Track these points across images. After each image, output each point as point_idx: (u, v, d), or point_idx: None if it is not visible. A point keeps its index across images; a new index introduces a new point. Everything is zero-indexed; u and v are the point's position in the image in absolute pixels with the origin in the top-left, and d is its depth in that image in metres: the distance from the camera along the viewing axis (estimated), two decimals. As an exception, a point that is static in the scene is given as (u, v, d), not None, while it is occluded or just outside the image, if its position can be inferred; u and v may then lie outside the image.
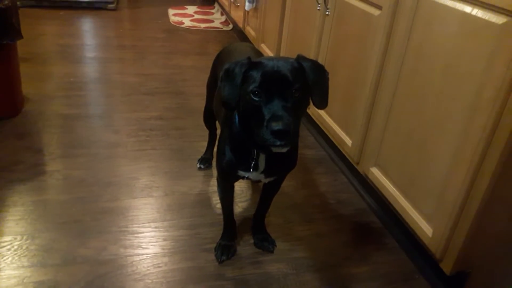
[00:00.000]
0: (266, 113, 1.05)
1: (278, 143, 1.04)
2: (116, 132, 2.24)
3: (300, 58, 1.15)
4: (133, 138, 2.20)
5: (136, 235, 1.57)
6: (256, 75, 1.08)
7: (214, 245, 1.55)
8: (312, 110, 2.26)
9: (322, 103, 1.19)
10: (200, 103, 2.62)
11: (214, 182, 1.91)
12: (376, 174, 1.69)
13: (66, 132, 2.20)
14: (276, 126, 1.01)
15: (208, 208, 1.75)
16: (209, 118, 1.91)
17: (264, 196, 1.56)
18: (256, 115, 1.08)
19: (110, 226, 1.60)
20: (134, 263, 1.45)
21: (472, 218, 1.25)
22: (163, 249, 1.52)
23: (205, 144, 2.03)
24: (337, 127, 2.03)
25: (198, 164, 2.02)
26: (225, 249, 1.53)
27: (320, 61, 2.13)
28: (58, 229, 1.56)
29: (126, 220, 1.64)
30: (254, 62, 1.11)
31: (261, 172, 1.30)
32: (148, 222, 1.64)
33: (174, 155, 2.09)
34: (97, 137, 2.18)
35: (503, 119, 1.13)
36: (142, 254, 1.49)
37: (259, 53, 1.71)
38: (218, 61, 1.70)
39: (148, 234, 1.58)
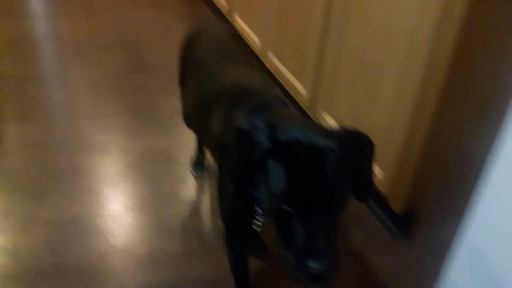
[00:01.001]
0: (297, 230, 0.76)
1: (313, 285, 0.82)
2: (69, 91, 2.18)
3: (341, 139, 0.80)
4: (87, 97, 2.15)
5: (96, 193, 1.58)
6: (281, 172, 0.76)
7: (178, 199, 1.58)
8: (267, 59, 2.26)
9: (366, 194, 0.91)
10: (155, 56, 2.58)
11: (170, 138, 1.91)
12: (328, 120, 1.74)
13: (16, 94, 2.12)
14: (315, 267, 0.74)
15: (168, 164, 1.77)
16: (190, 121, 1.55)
17: None
18: (282, 221, 0.79)
19: (69, 186, 1.60)
20: (95, 221, 1.47)
21: (416, 158, 1.33)
22: (124, 206, 1.55)
23: (163, 101, 2.01)
24: (292, 76, 2.04)
25: (192, 170, 1.71)
26: None
27: (271, 10, 2.11)
28: (14, 194, 1.55)
29: (85, 179, 1.64)
30: (280, 144, 0.78)
31: None
32: (108, 181, 1.65)
33: (130, 112, 2.07)
34: (49, 97, 2.12)
35: (439, 54, 1.17)
36: (103, 212, 1.51)
37: (236, 36, 1.42)
38: (185, 55, 1.40)
39: (108, 191, 1.60)
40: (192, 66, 1.32)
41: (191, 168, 1.72)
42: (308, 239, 0.75)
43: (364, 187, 0.89)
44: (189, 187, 1.65)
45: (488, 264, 0.86)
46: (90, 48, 2.63)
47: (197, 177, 1.69)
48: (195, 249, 1.41)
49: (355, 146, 0.82)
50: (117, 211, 1.52)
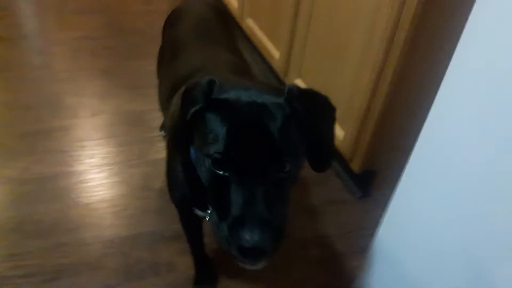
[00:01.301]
0: (234, 197, 0.65)
1: (248, 263, 0.66)
2: (41, 53, 2.16)
3: (291, 95, 0.69)
4: (59, 59, 2.13)
5: (61, 154, 1.59)
6: (218, 127, 0.66)
7: (143, 160, 1.59)
8: (244, 22, 2.24)
9: (324, 164, 0.77)
10: (131, 20, 2.55)
11: (141, 101, 1.90)
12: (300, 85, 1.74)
13: (-12, 55, 2.11)
14: (249, 237, 0.62)
15: (135, 126, 1.76)
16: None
17: None
18: (218, 190, 0.68)
19: (34, 147, 1.60)
20: (59, 180, 1.48)
21: (375, 120, 1.33)
22: (89, 166, 1.56)
23: (137, 65, 2.00)
24: (267, 40, 2.03)
25: (161, 132, 1.70)
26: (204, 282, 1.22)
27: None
28: (-20, 153, 1.56)
29: (51, 140, 1.64)
30: (217, 100, 0.69)
31: None
32: (74, 142, 1.65)
33: (102, 75, 2.05)
34: (21, 59, 2.10)
35: (401, 23, 1.17)
36: (68, 172, 1.52)
37: (223, 14, 1.34)
38: (168, 28, 1.33)
39: (74, 153, 1.60)
40: (170, 45, 1.23)
41: (160, 131, 1.72)
42: (245, 206, 0.64)
43: (323, 154, 0.75)
44: (155, 148, 1.66)
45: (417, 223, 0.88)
46: (69, 11, 2.59)
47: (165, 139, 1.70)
48: (155, 207, 1.42)
49: (311, 106, 0.71)
50: (82, 170, 1.53)
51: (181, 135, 0.75)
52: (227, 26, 1.28)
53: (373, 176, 1.49)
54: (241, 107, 0.67)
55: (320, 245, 1.36)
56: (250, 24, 2.17)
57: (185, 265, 1.25)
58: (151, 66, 2.06)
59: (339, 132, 1.50)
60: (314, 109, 0.72)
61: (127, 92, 1.95)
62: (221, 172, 0.67)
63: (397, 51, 1.20)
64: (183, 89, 0.74)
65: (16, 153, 1.57)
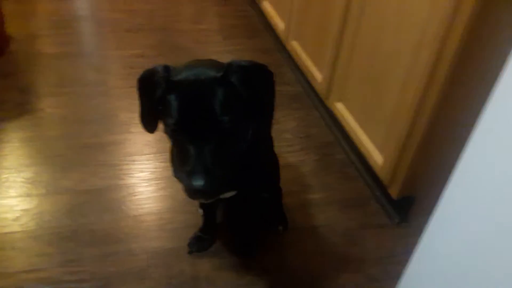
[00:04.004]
0: (188, 154, 0.90)
1: (195, 197, 0.96)
2: (98, 70, 2.31)
3: (229, 69, 0.91)
4: (114, 76, 2.27)
5: (113, 167, 1.70)
6: (174, 103, 0.89)
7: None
8: (289, 44, 2.31)
9: (264, 123, 1.04)
10: (183, 39, 2.67)
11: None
12: (340, 109, 1.78)
13: (50, 71, 2.27)
14: (195, 183, 0.88)
15: (183, 142, 1.86)
16: None
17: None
18: (180, 148, 0.94)
19: (89, 160, 1.73)
20: (111, 192, 1.59)
21: (416, 147, 1.36)
22: (139, 180, 1.66)
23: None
24: (310, 62, 2.08)
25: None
26: (199, 241, 1.42)
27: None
28: (41, 164, 1.69)
29: (105, 154, 1.76)
30: (172, 82, 0.90)
31: None
32: (126, 156, 1.76)
33: (154, 92, 2.17)
34: (79, 75, 2.25)
35: (444, 55, 1.19)
36: (119, 185, 1.63)
37: None
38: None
39: (125, 167, 1.71)
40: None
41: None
42: (193, 160, 0.88)
43: (265, 111, 0.98)
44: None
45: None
46: (124, 29, 2.74)
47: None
48: (197, 222, 1.48)
49: (245, 78, 0.91)
50: (132, 183, 1.64)
51: (151, 116, 0.99)
52: None
53: (412, 202, 1.50)
54: (188, 86, 0.89)
55: (354, 270, 1.39)
56: (295, 46, 2.24)
57: (223, 279, 1.32)
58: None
59: (378, 158, 1.53)
60: (246, 77, 0.91)
61: (175, 109, 2.05)
62: (177, 136, 0.92)
63: (438, 84, 1.23)
64: (140, 76, 0.96)
65: (73, 165, 1.70)
